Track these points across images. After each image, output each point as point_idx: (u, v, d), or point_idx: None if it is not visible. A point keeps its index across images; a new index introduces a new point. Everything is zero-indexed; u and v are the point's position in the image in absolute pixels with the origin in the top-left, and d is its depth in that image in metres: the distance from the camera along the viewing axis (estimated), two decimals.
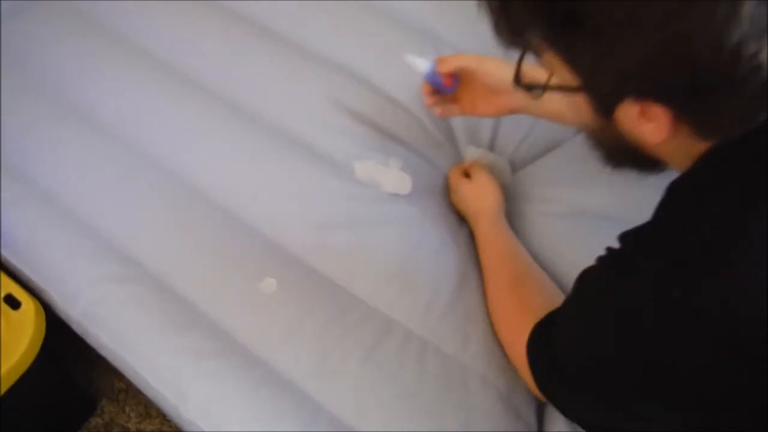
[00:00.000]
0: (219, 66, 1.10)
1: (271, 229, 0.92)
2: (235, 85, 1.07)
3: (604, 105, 0.53)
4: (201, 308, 0.86)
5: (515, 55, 0.56)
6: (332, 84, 1.04)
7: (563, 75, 0.53)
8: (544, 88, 0.56)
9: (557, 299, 0.68)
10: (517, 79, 0.59)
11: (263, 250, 0.90)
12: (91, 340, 0.89)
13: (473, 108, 0.89)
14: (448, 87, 0.87)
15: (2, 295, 0.91)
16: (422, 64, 0.84)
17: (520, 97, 0.83)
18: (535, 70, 0.58)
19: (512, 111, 0.87)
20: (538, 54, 0.54)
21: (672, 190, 0.55)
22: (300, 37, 1.12)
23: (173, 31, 1.16)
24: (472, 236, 0.94)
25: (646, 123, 0.51)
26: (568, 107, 0.59)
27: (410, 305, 0.85)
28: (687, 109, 0.49)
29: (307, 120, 1.02)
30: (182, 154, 1.00)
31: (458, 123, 1.05)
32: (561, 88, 0.54)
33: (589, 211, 0.90)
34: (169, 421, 1.19)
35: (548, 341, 0.65)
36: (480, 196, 0.93)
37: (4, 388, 0.88)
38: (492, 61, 0.83)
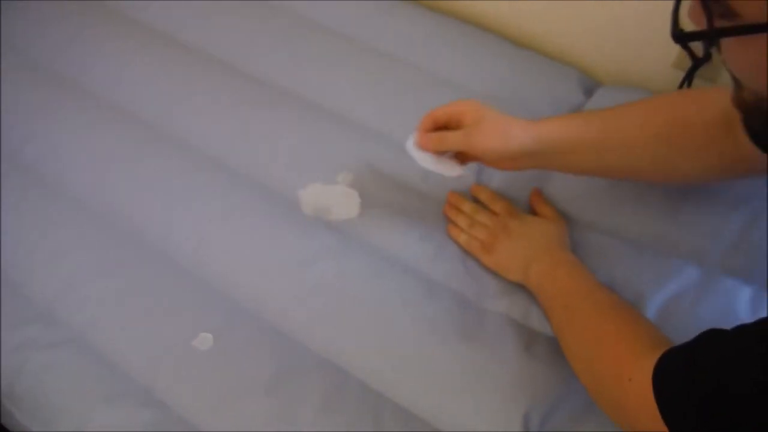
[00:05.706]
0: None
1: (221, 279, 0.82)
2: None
3: None
4: (129, 372, 0.75)
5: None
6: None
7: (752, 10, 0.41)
8: (720, 33, 0.43)
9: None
10: (677, 32, 0.46)
11: (202, 300, 0.80)
12: (6, 420, 0.77)
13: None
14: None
15: None
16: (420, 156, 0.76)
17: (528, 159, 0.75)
18: None
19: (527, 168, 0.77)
20: None
21: None
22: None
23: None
24: None
25: None
26: (742, 65, 0.46)
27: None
28: None
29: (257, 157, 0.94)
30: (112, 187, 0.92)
31: None
32: (750, 28, 0.41)
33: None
34: None
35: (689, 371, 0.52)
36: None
37: None
38: (479, 133, 0.73)
